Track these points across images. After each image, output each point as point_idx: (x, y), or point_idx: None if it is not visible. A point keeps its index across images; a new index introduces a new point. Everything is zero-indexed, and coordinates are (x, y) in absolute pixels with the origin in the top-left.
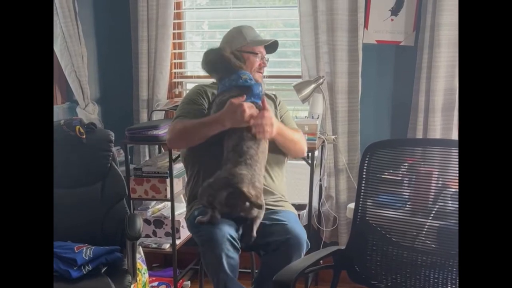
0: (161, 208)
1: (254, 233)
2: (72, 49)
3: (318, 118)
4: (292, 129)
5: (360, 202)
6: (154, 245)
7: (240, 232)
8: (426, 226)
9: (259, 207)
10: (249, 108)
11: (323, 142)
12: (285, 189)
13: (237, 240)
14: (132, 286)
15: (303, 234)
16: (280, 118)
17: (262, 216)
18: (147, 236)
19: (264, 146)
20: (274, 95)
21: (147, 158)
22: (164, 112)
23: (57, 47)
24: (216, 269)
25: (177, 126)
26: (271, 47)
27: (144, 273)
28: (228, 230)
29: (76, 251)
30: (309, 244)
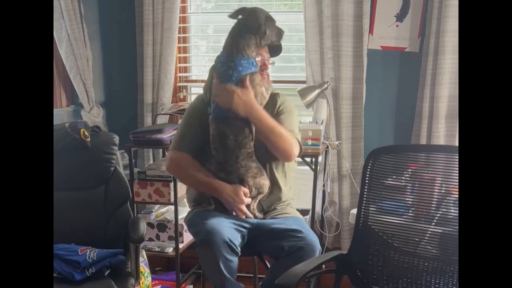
0: (164, 212)
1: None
2: (77, 52)
3: (322, 123)
4: (283, 128)
5: (363, 208)
6: (157, 249)
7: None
8: (429, 232)
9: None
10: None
11: (327, 147)
12: (292, 196)
13: (235, 243)
14: None
15: (316, 242)
16: (275, 113)
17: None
18: (150, 239)
19: (255, 166)
20: (278, 93)
21: (151, 161)
22: (168, 116)
23: (63, 50)
24: (213, 271)
25: (174, 161)
26: (275, 50)
27: (147, 277)
28: (226, 233)
29: (80, 254)
30: (321, 251)
